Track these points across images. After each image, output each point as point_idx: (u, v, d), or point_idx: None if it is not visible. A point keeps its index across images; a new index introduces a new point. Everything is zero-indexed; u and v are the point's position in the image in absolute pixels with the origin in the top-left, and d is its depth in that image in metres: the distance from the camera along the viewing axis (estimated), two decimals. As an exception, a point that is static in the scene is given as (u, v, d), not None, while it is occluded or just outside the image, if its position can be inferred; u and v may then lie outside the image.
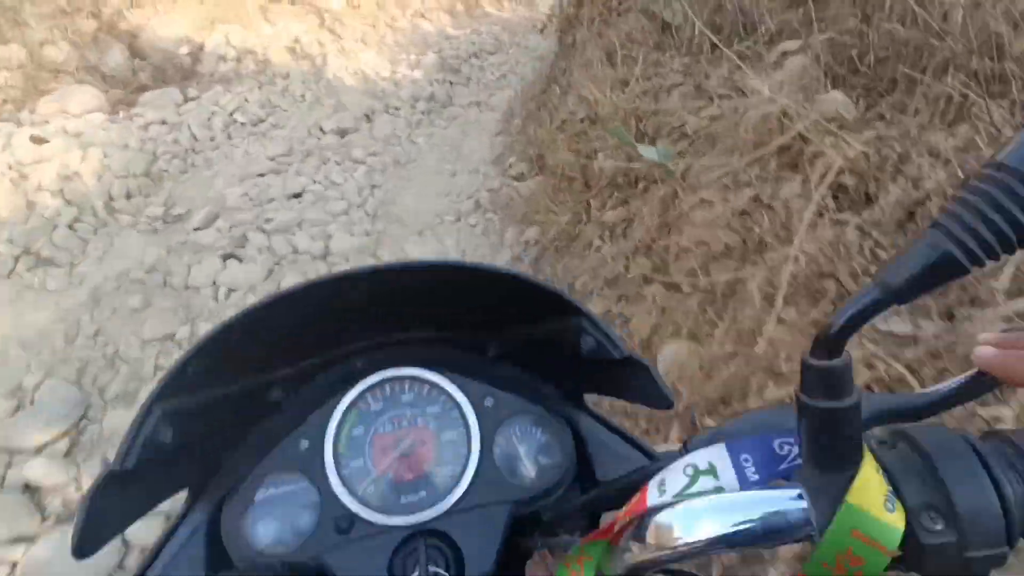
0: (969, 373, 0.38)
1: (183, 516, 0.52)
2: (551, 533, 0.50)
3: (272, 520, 0.50)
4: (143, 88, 6.68)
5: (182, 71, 7.19)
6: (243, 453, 0.55)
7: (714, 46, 3.14)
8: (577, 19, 4.98)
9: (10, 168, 4.46)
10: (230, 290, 2.93)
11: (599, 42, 3.87)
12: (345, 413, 0.54)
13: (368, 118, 6.22)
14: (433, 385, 0.56)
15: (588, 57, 3.85)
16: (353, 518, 0.50)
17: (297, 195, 4.12)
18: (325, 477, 0.51)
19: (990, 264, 0.27)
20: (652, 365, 0.50)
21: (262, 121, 6.27)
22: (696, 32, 3.18)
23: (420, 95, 6.93)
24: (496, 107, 6.98)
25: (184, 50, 7.34)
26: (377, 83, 7.48)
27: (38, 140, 4.51)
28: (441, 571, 0.47)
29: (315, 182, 4.44)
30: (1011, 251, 0.27)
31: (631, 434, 0.58)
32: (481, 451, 0.53)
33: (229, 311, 2.80)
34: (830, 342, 0.30)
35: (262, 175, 4.59)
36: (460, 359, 0.59)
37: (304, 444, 0.52)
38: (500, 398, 0.56)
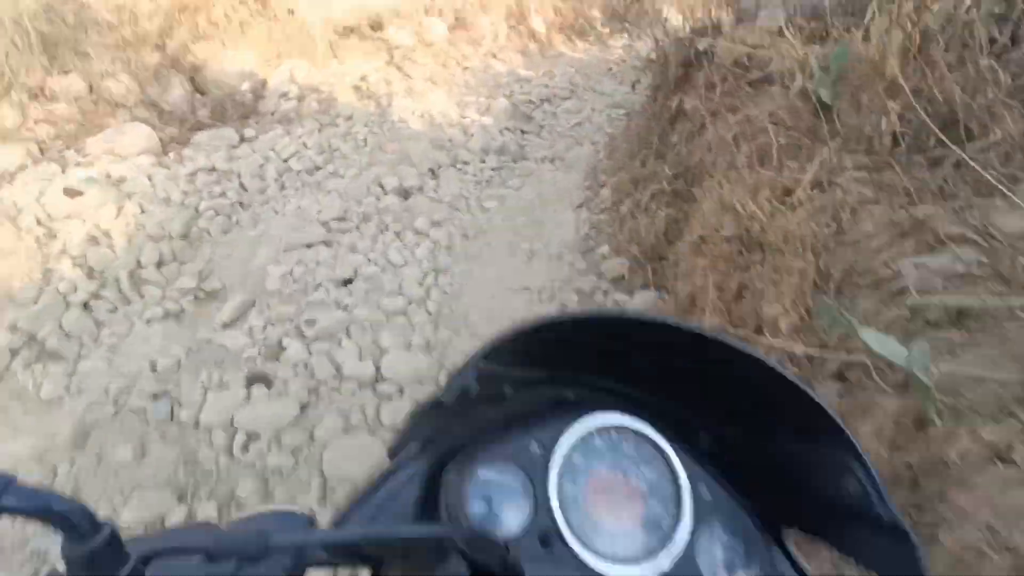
0: None
1: (408, 458, 0.55)
2: None
3: (485, 501, 0.51)
4: (199, 126, 6.25)
5: (242, 108, 6.77)
6: (467, 425, 0.57)
7: (917, 147, 2.31)
8: (688, 82, 4.23)
9: (38, 223, 3.97)
10: (248, 438, 2.23)
11: (728, 121, 3.09)
12: (577, 439, 0.54)
13: (433, 173, 5.58)
14: (658, 449, 0.53)
15: (712, 138, 3.09)
16: (558, 538, 0.50)
17: (348, 281, 3.46)
18: (546, 488, 0.52)
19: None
20: (921, 543, 0.43)
21: (319, 169, 5.73)
22: (881, 123, 2.35)
23: (490, 146, 6.28)
24: (573, 164, 6.25)
25: (246, 86, 6.94)
26: (444, 129, 6.88)
27: (71, 193, 4.02)
28: None
29: (370, 260, 3.78)
30: None
31: None
32: (690, 535, 0.50)
33: (243, 476, 2.10)
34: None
35: (310, 246, 3.96)
36: (674, 434, 0.54)
37: (535, 449, 0.53)
38: (715, 491, 0.52)
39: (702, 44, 4.23)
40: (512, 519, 0.50)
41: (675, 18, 17.37)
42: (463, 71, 8.84)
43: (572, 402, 0.58)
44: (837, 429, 0.47)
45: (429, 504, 0.54)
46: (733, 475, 0.55)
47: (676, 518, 0.50)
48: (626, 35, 14.69)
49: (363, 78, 7.43)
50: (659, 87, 5.03)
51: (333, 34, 7.91)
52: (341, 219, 4.45)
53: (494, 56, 9.80)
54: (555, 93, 8.69)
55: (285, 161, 5.65)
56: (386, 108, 7.13)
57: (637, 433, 0.54)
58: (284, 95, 6.49)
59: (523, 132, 7.11)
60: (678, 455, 0.53)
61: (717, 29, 4.75)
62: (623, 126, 7.31)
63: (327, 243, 3.98)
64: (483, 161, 5.98)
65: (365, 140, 6.31)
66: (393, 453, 0.53)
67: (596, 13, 13.69)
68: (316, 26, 7.70)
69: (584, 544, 0.49)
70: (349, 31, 8.12)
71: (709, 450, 0.56)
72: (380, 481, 0.54)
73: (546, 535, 0.49)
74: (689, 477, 0.52)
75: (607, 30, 14.02)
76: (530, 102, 8.02)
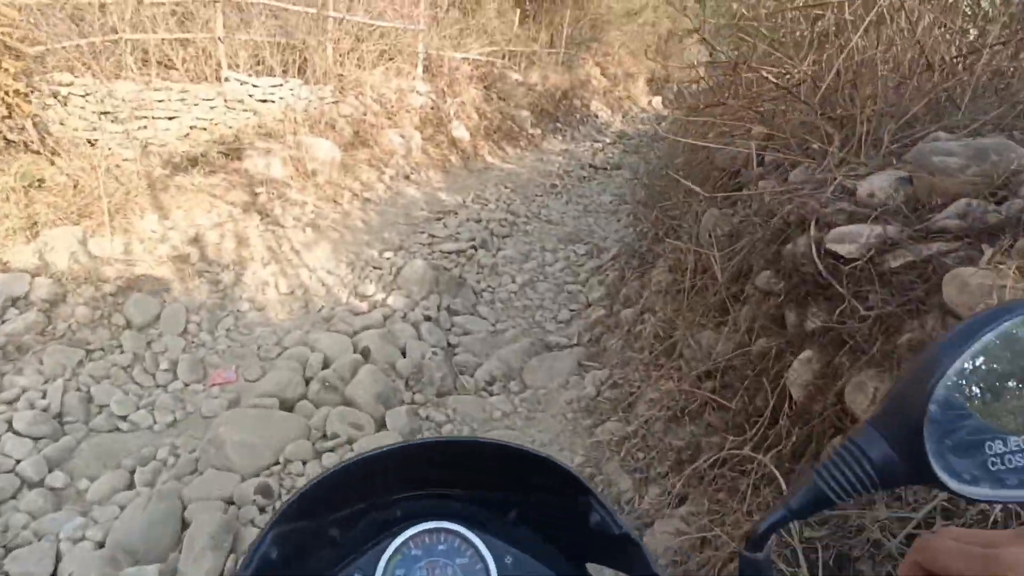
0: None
1: None
2: None
3: None
4: None
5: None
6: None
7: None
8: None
9: None
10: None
11: None
12: (392, 555, 0.60)
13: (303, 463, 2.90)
14: (465, 539, 0.61)
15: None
16: None
17: None
18: None
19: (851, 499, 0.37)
20: (644, 544, 0.56)
21: (51, 488, 2.96)
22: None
23: (401, 368, 3.67)
24: (542, 397, 3.74)
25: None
26: (321, 336, 4.28)
27: None
28: None
29: None
30: (871, 491, 0.38)
31: None
32: None
33: None
34: (755, 542, 0.42)
35: None
36: (486, 518, 0.64)
37: None
38: (518, 557, 0.62)
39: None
40: None
41: (604, 113, 15.81)
42: (362, 206, 6.35)
43: (399, 519, 0.62)
44: (582, 486, 0.60)
45: None
46: (543, 531, 0.66)
47: None
48: (560, 136, 12.94)
49: (196, 240, 4.76)
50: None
51: (160, 169, 5.28)
52: None
53: (406, 178, 7.43)
54: (491, 229, 6.31)
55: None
56: (229, 291, 4.46)
57: (447, 531, 0.61)
58: (17, 302, 3.67)
59: (450, 312, 4.58)
60: (486, 538, 0.61)
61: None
62: (598, 283, 4.91)
63: None
64: (385, 409, 3.35)
65: (168, 379, 3.57)
66: None
67: (524, 113, 11.81)
68: (128, 161, 5.06)
69: None
70: (189, 162, 5.53)
71: (519, 519, 0.66)
72: None
73: None
74: (494, 554, 0.60)
75: (538, 131, 12.18)
76: (457, 253, 5.56)
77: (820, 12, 3.09)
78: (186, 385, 3.54)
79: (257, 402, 2.99)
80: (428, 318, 4.22)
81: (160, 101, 5.57)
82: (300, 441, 2.76)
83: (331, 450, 2.78)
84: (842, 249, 1.87)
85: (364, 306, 4.37)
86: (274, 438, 2.74)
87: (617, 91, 16.71)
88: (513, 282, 5.28)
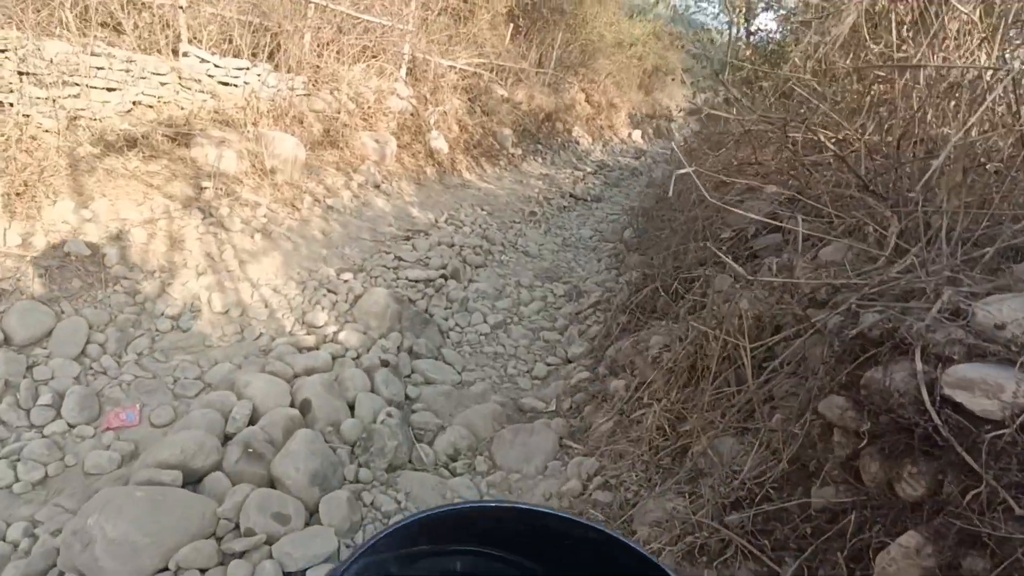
0: None
1: None
2: None
3: None
4: None
5: None
6: None
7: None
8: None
9: None
10: None
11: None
12: None
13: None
14: None
15: None
16: None
17: None
18: None
19: None
20: None
21: None
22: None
23: (347, 433, 3.01)
24: (516, 487, 3.14)
25: None
26: (246, 393, 3.59)
27: None
28: None
29: None
30: None
31: None
32: None
33: None
34: None
35: None
36: None
37: None
38: None
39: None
40: None
41: (585, 140, 15.47)
42: (323, 214, 5.65)
43: (458, 572, 0.61)
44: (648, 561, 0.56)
45: None
46: None
47: None
48: (540, 159, 12.43)
49: (118, 237, 3.98)
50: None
51: (88, 147, 4.47)
52: None
53: (376, 187, 6.75)
54: (464, 256, 5.70)
55: None
56: (149, 305, 3.70)
57: None
58: None
59: (411, 354, 3.94)
60: None
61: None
62: (579, 334, 4.29)
63: None
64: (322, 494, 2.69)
65: (46, 418, 2.83)
66: None
67: (507, 131, 11.27)
68: (48, 133, 4.24)
69: None
70: (126, 143, 4.73)
71: None
72: None
73: None
74: None
75: (519, 151, 11.64)
76: (425, 282, 4.92)
77: (884, 75, 2.65)
78: (71, 427, 2.79)
79: (151, 475, 2.28)
80: (385, 363, 3.57)
81: (99, 68, 4.76)
82: (200, 543, 2.07)
83: (241, 555, 2.10)
84: (973, 403, 1.37)
85: (311, 340, 3.68)
86: (166, 533, 2.04)
87: (600, 119, 16.42)
88: (485, 322, 4.68)
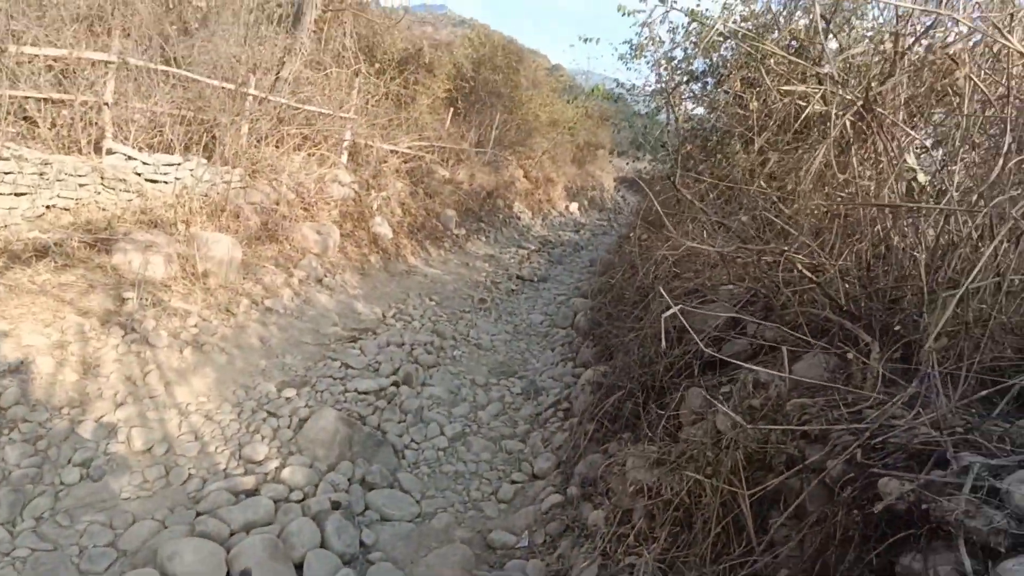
0: None
1: None
2: None
3: None
4: None
5: None
6: None
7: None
8: None
9: None
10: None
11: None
12: None
13: None
14: None
15: None
16: None
17: None
18: None
19: None
20: None
21: None
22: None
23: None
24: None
25: None
26: (169, 568, 3.11)
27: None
28: None
29: None
30: None
31: None
32: None
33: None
34: None
35: None
36: None
37: None
38: None
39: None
40: None
41: (526, 215, 15.65)
42: (261, 318, 5.22)
43: None
44: None
45: None
46: None
47: None
48: (484, 237, 12.39)
49: (18, 369, 3.45)
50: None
51: (-10, 261, 3.94)
52: None
53: (319, 282, 6.38)
54: (415, 356, 5.37)
55: None
56: (54, 451, 3.16)
57: None
58: None
59: (365, 508, 3.51)
60: None
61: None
62: (542, 442, 3.91)
63: None
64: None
65: None
66: None
67: (450, 211, 11.19)
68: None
69: None
70: (35, 253, 4.23)
71: None
72: None
73: None
74: None
75: (463, 231, 11.56)
76: (376, 393, 4.54)
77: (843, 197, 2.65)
78: (-60, 637, 2.22)
79: None
80: (336, 505, 3.15)
81: (7, 173, 4.30)
82: None
83: None
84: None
85: (250, 481, 3.23)
86: None
87: (538, 194, 16.73)
88: (442, 434, 4.33)
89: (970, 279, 1.72)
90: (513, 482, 3.91)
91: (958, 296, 1.75)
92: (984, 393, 1.94)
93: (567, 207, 18.09)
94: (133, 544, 2.76)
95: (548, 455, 4.11)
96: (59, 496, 2.96)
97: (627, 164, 8.90)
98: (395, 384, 4.70)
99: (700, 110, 6.67)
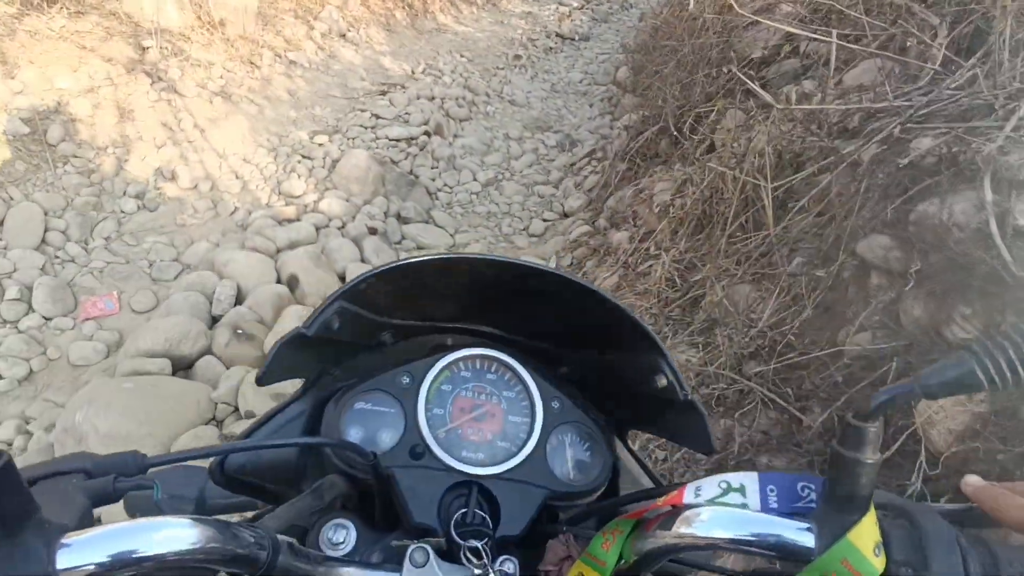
0: (964, 505, 0.41)
1: (295, 399, 0.59)
2: (572, 523, 0.57)
3: (362, 427, 0.55)
4: None
5: None
6: (349, 368, 0.61)
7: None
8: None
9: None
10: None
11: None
12: (442, 369, 0.58)
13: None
14: (516, 373, 0.60)
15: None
16: (427, 450, 0.54)
17: None
18: (415, 410, 0.55)
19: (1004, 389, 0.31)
20: (706, 413, 0.54)
21: None
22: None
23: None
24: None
25: None
26: (227, 272, 3.36)
27: None
28: (483, 514, 0.52)
29: None
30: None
31: (652, 469, 0.64)
32: (538, 440, 0.57)
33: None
34: (869, 412, 0.35)
35: None
36: (537, 366, 0.62)
37: (405, 380, 0.57)
38: (565, 404, 0.60)
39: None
40: (386, 439, 0.54)
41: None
42: (287, 71, 5.05)
43: (451, 347, 0.60)
44: (651, 340, 0.54)
45: (312, 434, 0.58)
46: (590, 393, 0.64)
47: (530, 428, 0.57)
48: (520, -7, 11.06)
49: (58, 110, 3.51)
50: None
51: (2, 7, 3.81)
52: None
53: (342, 37, 6.00)
54: (446, 110, 5.21)
55: None
56: (108, 184, 3.35)
57: (499, 361, 0.60)
58: None
59: (401, 238, 3.65)
60: (537, 379, 0.59)
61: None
62: (575, 186, 3.92)
63: None
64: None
65: (18, 313, 2.61)
66: (260, 381, 0.53)
67: (482, -37, 9.92)
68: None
69: (450, 453, 0.54)
70: (44, -2, 4.03)
71: (569, 376, 0.64)
72: (266, 418, 0.57)
73: (416, 448, 0.54)
74: (543, 395, 0.58)
75: (497, -14, 10.35)
76: (407, 140, 4.50)
77: None
78: (47, 320, 2.61)
79: (137, 365, 2.13)
80: (373, 231, 3.33)
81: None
82: (200, 429, 1.97)
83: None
84: (1057, 234, 1.16)
85: (291, 211, 3.40)
86: (162, 423, 1.94)
87: (584, -56, 14.53)
88: (475, 179, 4.37)
89: None
90: (544, 220, 4.00)
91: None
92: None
93: (617, -40, 15.77)
94: (194, 259, 3.04)
95: (579, 195, 4.12)
96: (121, 221, 3.22)
97: None
98: (426, 133, 4.63)
99: None
